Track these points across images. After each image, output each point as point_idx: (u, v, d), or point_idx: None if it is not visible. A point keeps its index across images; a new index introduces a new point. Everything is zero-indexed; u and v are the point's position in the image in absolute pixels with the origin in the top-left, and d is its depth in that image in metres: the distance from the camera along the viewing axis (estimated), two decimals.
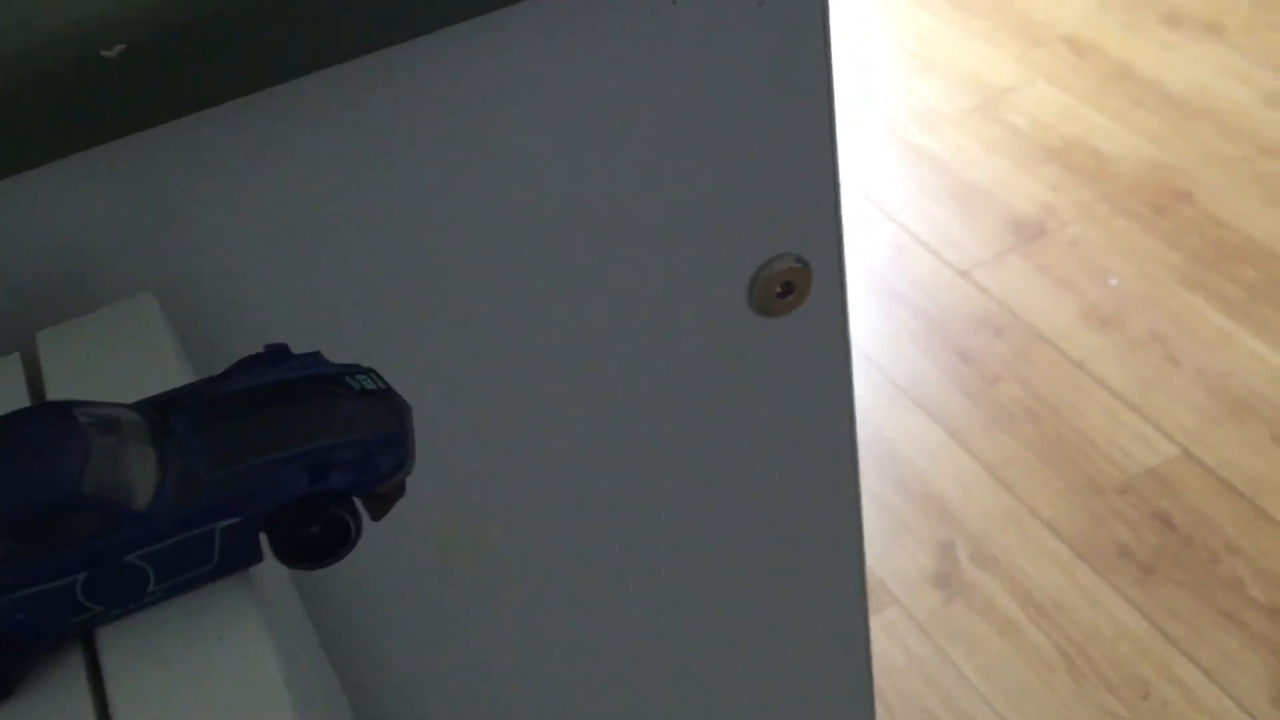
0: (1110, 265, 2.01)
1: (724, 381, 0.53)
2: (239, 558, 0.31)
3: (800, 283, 0.52)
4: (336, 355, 0.44)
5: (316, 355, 0.35)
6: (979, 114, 2.23)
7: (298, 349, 0.35)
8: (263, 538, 0.32)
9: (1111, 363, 1.90)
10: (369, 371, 0.34)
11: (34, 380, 0.39)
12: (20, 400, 0.38)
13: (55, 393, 0.38)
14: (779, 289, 0.51)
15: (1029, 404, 1.82)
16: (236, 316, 0.43)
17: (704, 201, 0.49)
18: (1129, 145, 2.16)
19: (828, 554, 0.58)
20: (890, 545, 1.66)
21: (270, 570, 0.34)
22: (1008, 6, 2.36)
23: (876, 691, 0.70)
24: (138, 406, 0.33)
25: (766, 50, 0.46)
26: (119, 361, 0.38)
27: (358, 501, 0.32)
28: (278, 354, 0.35)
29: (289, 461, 0.31)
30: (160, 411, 0.33)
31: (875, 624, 1.45)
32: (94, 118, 0.37)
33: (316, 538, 0.32)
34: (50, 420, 0.31)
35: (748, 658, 0.61)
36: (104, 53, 0.36)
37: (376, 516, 0.33)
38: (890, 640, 1.57)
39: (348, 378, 0.34)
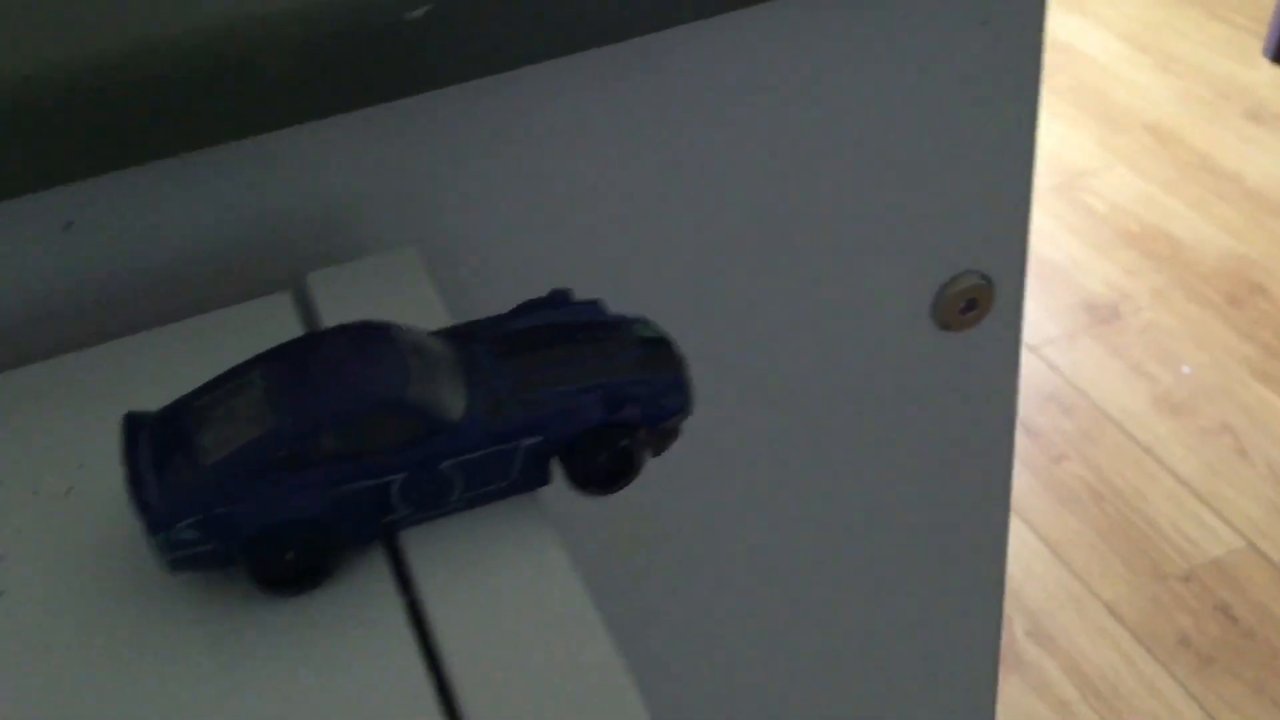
0: (1183, 353, 2.01)
1: (900, 389, 0.55)
2: (533, 478, 0.34)
3: (983, 300, 0.54)
4: None
5: (596, 303, 0.37)
6: (1057, 194, 2.25)
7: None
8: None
9: (1180, 450, 1.89)
10: (645, 321, 0.37)
11: (308, 316, 0.41)
12: (296, 330, 0.40)
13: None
14: (963, 304, 0.53)
15: (1094, 484, 1.82)
16: (483, 275, 0.46)
17: (904, 212, 0.51)
18: (1206, 235, 2.17)
19: (975, 557, 0.60)
20: None
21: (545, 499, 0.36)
22: (1091, 91, 2.40)
23: None
24: (437, 334, 0.35)
25: (983, 70, 0.49)
26: (387, 304, 0.41)
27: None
28: (560, 298, 0.37)
29: (588, 391, 0.33)
30: (459, 341, 0.35)
31: None
32: (384, 77, 0.40)
33: (603, 467, 0.34)
34: (373, 335, 0.33)
35: (883, 652, 0.62)
36: (409, 14, 0.39)
37: (656, 453, 0.35)
38: None
39: (625, 325, 0.36)
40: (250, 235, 0.43)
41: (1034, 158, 0.52)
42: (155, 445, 0.33)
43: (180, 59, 0.38)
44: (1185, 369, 2.00)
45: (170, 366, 0.39)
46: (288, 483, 0.31)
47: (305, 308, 0.42)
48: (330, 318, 0.41)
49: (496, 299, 0.46)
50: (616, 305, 0.49)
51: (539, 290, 0.46)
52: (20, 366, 0.39)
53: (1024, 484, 1.91)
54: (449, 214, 0.45)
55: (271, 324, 0.41)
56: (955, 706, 0.65)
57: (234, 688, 0.30)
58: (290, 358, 0.33)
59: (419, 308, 0.41)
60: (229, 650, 0.31)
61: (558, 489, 0.35)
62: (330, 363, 0.33)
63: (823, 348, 0.53)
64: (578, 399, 0.33)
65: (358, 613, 0.32)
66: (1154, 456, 1.90)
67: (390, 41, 0.39)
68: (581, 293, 0.48)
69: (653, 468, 0.53)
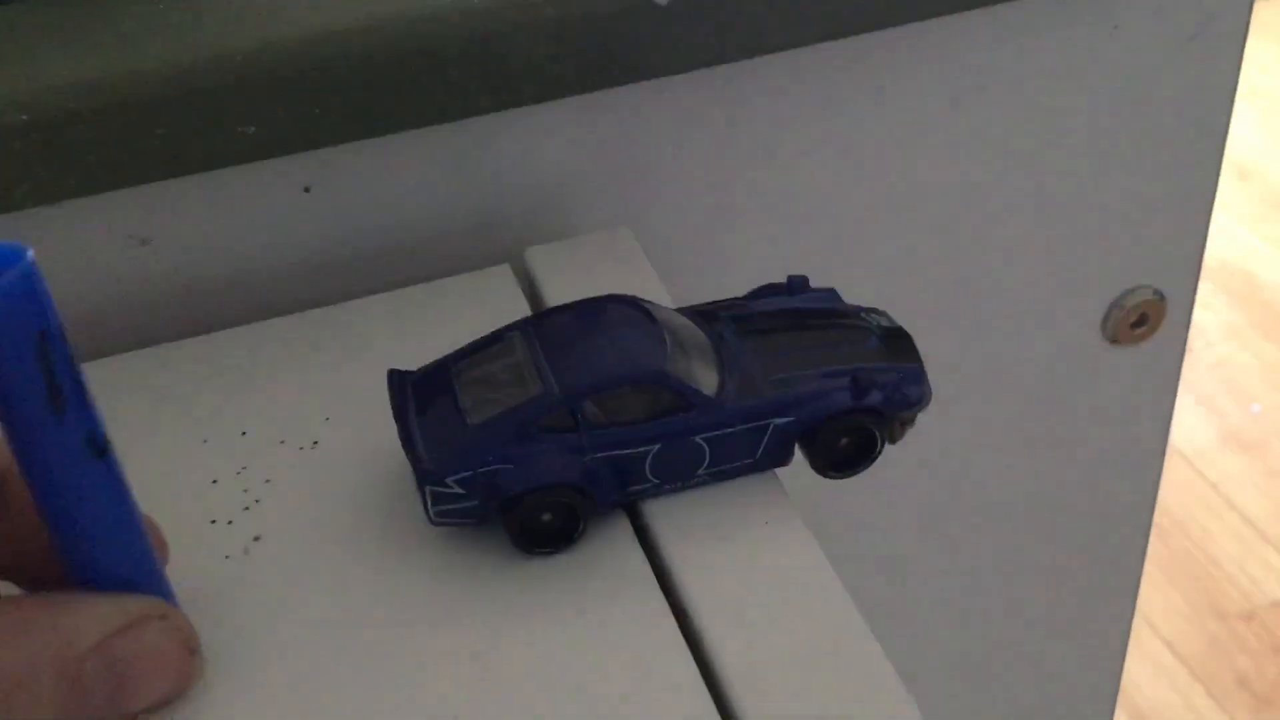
0: (1255, 391, 1.99)
1: (1065, 399, 0.55)
2: (776, 457, 0.34)
3: (1154, 315, 0.54)
4: None
5: (832, 291, 0.38)
6: None
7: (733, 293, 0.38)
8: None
9: (1248, 489, 1.88)
10: (882, 312, 0.37)
11: (529, 288, 0.42)
12: (519, 303, 0.41)
13: (554, 302, 0.41)
14: (1134, 319, 0.54)
15: (1158, 519, 1.81)
16: (689, 260, 0.47)
17: (1087, 223, 0.52)
18: None
19: (1112, 571, 0.60)
20: None
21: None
22: None
23: None
24: (682, 311, 0.36)
25: (1183, 84, 0.49)
26: (606, 281, 0.41)
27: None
28: (799, 285, 0.38)
29: (838, 375, 0.34)
30: (704, 320, 0.36)
31: None
32: (627, 61, 0.41)
33: (845, 451, 0.35)
34: (631, 309, 0.34)
35: (1013, 652, 0.63)
36: (658, 0, 0.40)
37: (894, 440, 0.35)
38: None
39: (863, 314, 0.37)
40: (475, 208, 0.44)
41: (1219, 173, 0.52)
42: (420, 402, 0.34)
43: (434, 35, 0.39)
44: (1255, 408, 1.98)
45: (406, 327, 0.40)
46: (550, 447, 0.32)
47: (526, 280, 0.43)
48: (551, 291, 0.42)
49: (702, 286, 0.47)
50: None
51: (741, 280, 0.47)
52: (262, 320, 0.40)
53: None
54: (662, 198, 0.46)
55: (495, 294, 0.42)
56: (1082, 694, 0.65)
57: (491, 639, 0.31)
58: (550, 325, 0.34)
59: (639, 285, 0.41)
60: (484, 603, 0.32)
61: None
62: (591, 332, 0.34)
63: (993, 353, 0.54)
64: (828, 383, 0.34)
65: (610, 573, 0.32)
66: (1220, 494, 1.88)
67: (636, 26, 0.40)
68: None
69: None
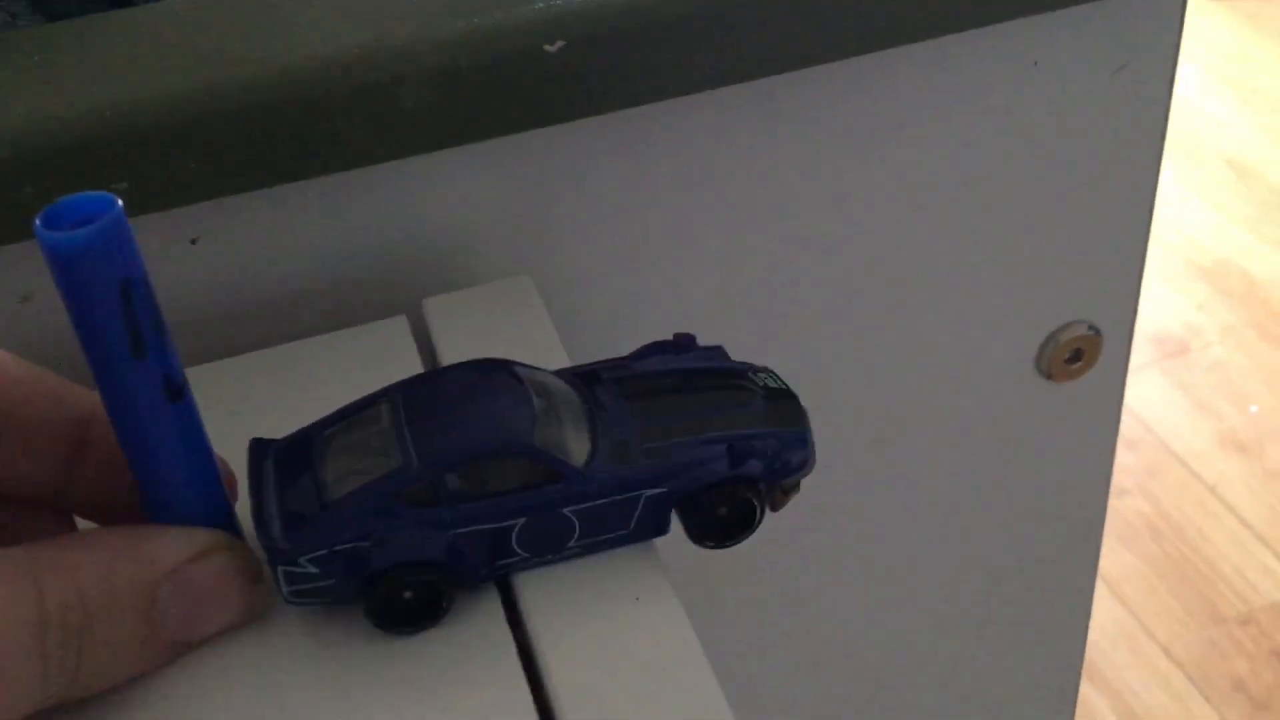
0: (1252, 392, 1.98)
1: (997, 435, 0.54)
2: (650, 527, 0.33)
3: (1090, 351, 0.53)
4: None
5: (719, 349, 0.37)
6: None
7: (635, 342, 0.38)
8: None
9: (1244, 491, 1.86)
10: (769, 371, 0.36)
11: (422, 341, 0.41)
12: (411, 357, 0.40)
13: (447, 355, 0.40)
14: (1068, 355, 0.53)
15: (1155, 521, 1.80)
16: (593, 309, 0.46)
17: (1017, 258, 0.51)
18: None
19: (1060, 604, 0.59)
20: None
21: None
22: (1171, 123, 2.37)
23: None
24: (560, 374, 0.35)
25: (1111, 116, 0.48)
26: (503, 332, 0.41)
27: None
28: (685, 343, 0.37)
29: (715, 443, 0.33)
30: (582, 381, 0.35)
31: None
32: (519, 108, 0.40)
33: (723, 520, 0.34)
34: (499, 374, 0.33)
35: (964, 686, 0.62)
36: (547, 46, 0.39)
37: (775, 509, 0.34)
38: None
39: (750, 374, 0.36)
40: (370, 259, 0.43)
41: (1152, 208, 0.51)
42: (280, 474, 0.33)
43: (319, 85, 0.38)
44: (1253, 408, 1.97)
45: (290, 383, 0.39)
46: (411, 522, 0.31)
47: (424, 332, 0.42)
48: (446, 343, 0.41)
49: (604, 333, 0.46)
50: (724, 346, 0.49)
51: (647, 326, 0.46)
52: None
53: None
54: (563, 246, 0.45)
55: (388, 347, 0.41)
56: None
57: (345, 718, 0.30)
58: (418, 393, 0.33)
59: (534, 337, 0.41)
60: (340, 682, 0.31)
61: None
62: (458, 401, 0.33)
63: (924, 388, 0.53)
64: (704, 451, 0.33)
65: (474, 652, 0.31)
66: (1217, 496, 1.87)
67: (527, 73, 0.39)
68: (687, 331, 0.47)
69: None
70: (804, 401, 0.36)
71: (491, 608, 0.33)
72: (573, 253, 0.45)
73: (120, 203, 0.27)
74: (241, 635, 0.32)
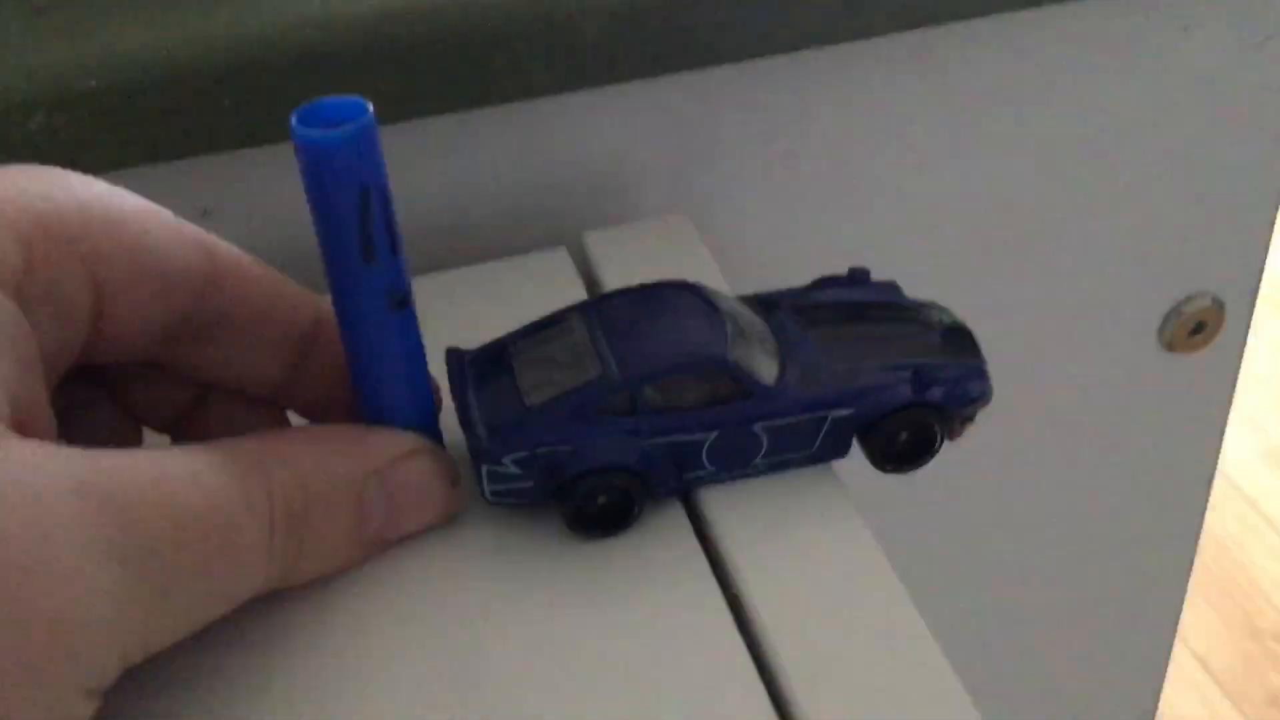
0: None
1: (1118, 407, 0.55)
2: (833, 449, 0.34)
3: (1212, 323, 0.53)
4: None
5: (894, 284, 0.37)
6: None
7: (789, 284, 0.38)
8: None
9: None
10: (944, 307, 0.37)
11: (585, 272, 0.42)
12: (575, 287, 0.41)
13: (609, 284, 0.41)
14: (1192, 327, 0.53)
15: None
16: (751, 248, 0.46)
17: (1149, 225, 0.51)
18: None
19: (1156, 583, 0.60)
20: None
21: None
22: None
23: None
24: (743, 299, 0.36)
25: (1250, 90, 0.48)
26: (665, 267, 0.41)
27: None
28: (860, 277, 0.37)
29: (901, 369, 0.34)
30: (764, 308, 0.36)
31: None
32: (696, 46, 0.40)
33: (905, 445, 0.34)
34: (692, 295, 0.34)
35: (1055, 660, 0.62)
36: None
37: (954, 437, 0.35)
38: None
39: (927, 309, 0.37)
40: (534, 190, 0.44)
41: None
42: (478, 380, 0.33)
43: (502, 14, 0.38)
44: None
45: (461, 307, 0.40)
46: (608, 430, 0.32)
47: (583, 264, 0.43)
48: (607, 275, 0.41)
49: (759, 273, 0.47)
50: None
51: (796, 269, 0.47)
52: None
53: None
54: (723, 185, 0.46)
55: (551, 277, 0.41)
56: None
57: (543, 620, 0.31)
58: (610, 309, 0.34)
59: (697, 271, 0.41)
60: (537, 584, 0.32)
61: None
62: (653, 317, 0.34)
63: (1047, 356, 0.53)
64: (889, 377, 0.34)
65: (665, 560, 0.32)
66: (1259, 510, 1.86)
67: (706, 11, 0.40)
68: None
69: None
70: None
71: (679, 519, 0.33)
72: (730, 193, 0.46)
73: (371, 108, 0.28)
74: (439, 534, 0.33)
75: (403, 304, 0.30)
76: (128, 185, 0.40)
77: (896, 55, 0.45)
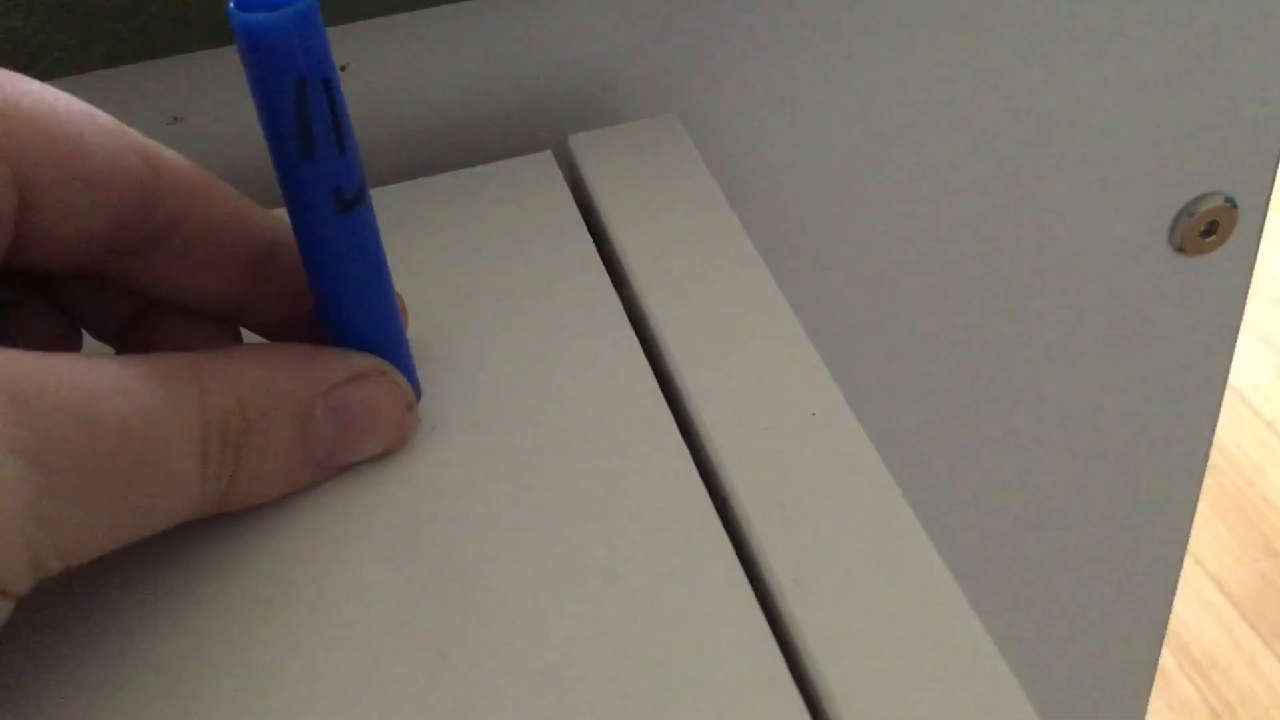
0: None
1: (1128, 311, 0.53)
2: None
3: (1225, 224, 0.52)
4: (801, 207, 0.45)
5: None
6: None
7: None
8: None
9: None
10: None
11: (571, 175, 0.41)
12: (560, 190, 0.40)
13: (598, 191, 0.40)
14: (1203, 228, 0.52)
15: (1210, 454, 1.79)
16: (742, 151, 0.45)
17: (1154, 125, 0.49)
18: None
19: (1167, 492, 0.59)
20: None
21: None
22: None
23: None
24: None
25: None
26: (654, 169, 0.40)
27: None
28: None
29: None
30: None
31: None
32: None
33: None
34: None
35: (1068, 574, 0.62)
36: None
37: None
38: None
39: None
40: (516, 92, 0.43)
41: None
42: None
43: None
44: None
45: (444, 213, 0.39)
46: None
47: (569, 168, 0.41)
48: (596, 179, 0.40)
49: (751, 177, 0.45)
50: (851, 201, 0.48)
51: (790, 171, 0.45)
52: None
53: None
54: (712, 86, 0.44)
55: (536, 180, 0.40)
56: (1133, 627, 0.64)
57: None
58: None
59: (686, 175, 0.40)
60: (482, 511, 0.31)
61: None
62: None
63: (1056, 257, 0.52)
64: None
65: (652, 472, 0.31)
66: (1275, 430, 1.85)
67: None
68: (819, 184, 0.47)
69: (875, 371, 0.52)
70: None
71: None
72: (718, 95, 0.44)
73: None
74: (389, 462, 0.32)
75: (350, 205, 0.28)
76: (90, 90, 0.39)
77: None
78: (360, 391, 0.30)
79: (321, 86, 0.27)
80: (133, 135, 0.28)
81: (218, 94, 0.40)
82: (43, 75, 0.36)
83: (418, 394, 0.33)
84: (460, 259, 0.38)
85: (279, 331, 0.32)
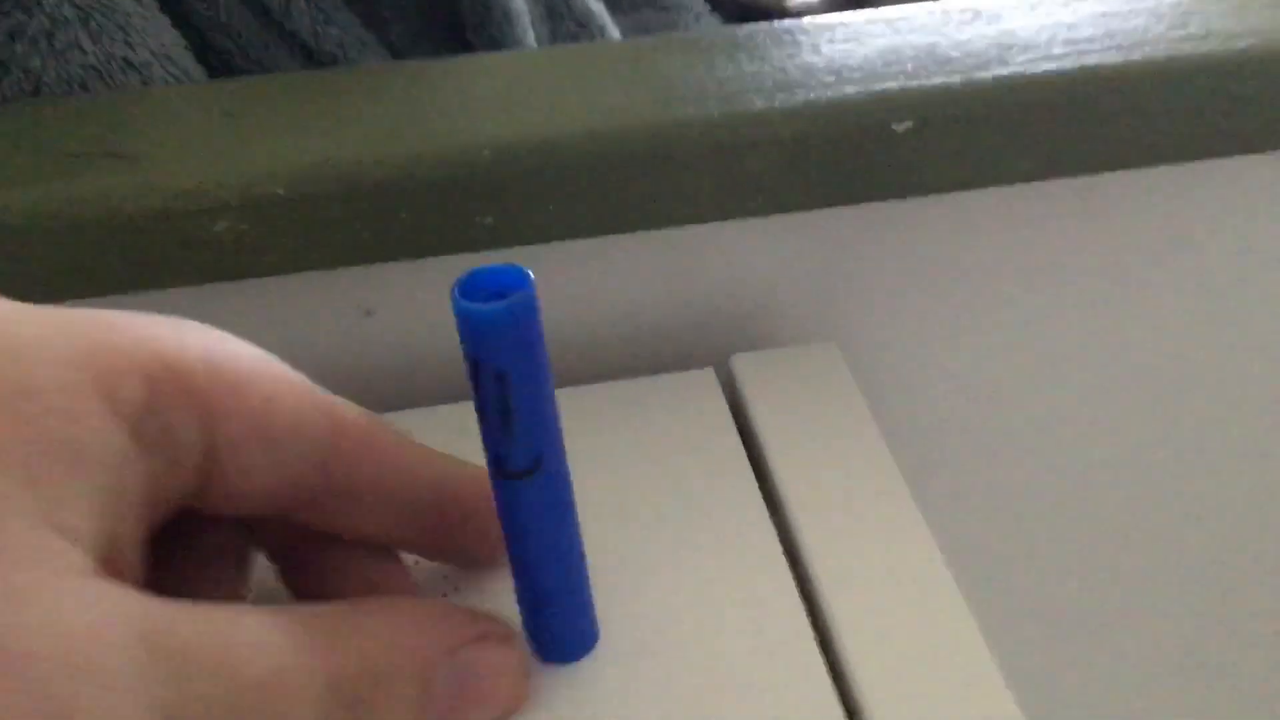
0: None
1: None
2: None
3: None
4: (972, 433, 0.46)
5: None
6: None
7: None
8: None
9: None
10: None
11: (731, 394, 0.43)
12: (720, 408, 0.42)
13: (757, 411, 0.41)
14: None
15: None
16: (898, 379, 0.47)
17: None
18: None
19: None
20: None
21: None
22: None
23: None
24: None
25: None
26: (811, 394, 0.42)
27: None
28: None
29: None
30: None
31: None
32: (847, 182, 0.41)
33: None
34: None
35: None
36: (895, 126, 0.40)
37: None
38: None
39: None
40: (684, 311, 0.45)
41: None
42: None
43: (676, 142, 0.39)
44: None
45: (606, 422, 0.41)
46: None
47: (729, 387, 0.43)
48: (755, 400, 0.42)
49: (905, 404, 0.47)
50: (995, 430, 0.49)
51: (945, 400, 0.47)
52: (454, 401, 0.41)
53: None
54: (871, 317, 0.46)
55: (697, 396, 0.42)
56: None
57: None
58: None
59: (842, 402, 0.42)
60: None
61: None
62: None
63: (1203, 490, 0.52)
64: None
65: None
66: None
67: (871, 150, 0.40)
68: (966, 410, 0.48)
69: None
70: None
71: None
72: (877, 325, 0.46)
73: (532, 277, 0.27)
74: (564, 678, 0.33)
75: (517, 476, 0.29)
76: (298, 287, 0.42)
77: (1059, 198, 0.45)
78: (484, 654, 0.30)
79: (492, 375, 0.27)
80: (319, 395, 0.30)
81: (410, 291, 0.43)
82: (257, 274, 0.39)
83: (595, 637, 0.34)
84: (625, 468, 0.39)
85: (448, 559, 0.33)
